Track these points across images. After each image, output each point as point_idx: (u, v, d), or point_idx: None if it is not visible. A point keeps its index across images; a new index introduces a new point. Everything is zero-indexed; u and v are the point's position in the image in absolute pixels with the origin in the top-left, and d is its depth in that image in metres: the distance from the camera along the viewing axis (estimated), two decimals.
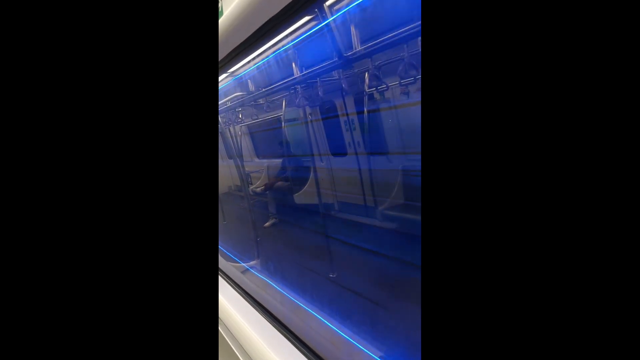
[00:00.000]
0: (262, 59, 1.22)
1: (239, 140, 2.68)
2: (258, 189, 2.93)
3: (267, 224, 2.66)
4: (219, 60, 1.16)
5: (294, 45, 1.06)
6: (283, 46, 1.07)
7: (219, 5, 1.06)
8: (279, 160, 2.84)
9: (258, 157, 3.22)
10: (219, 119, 2.19)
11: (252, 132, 3.06)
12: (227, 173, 2.56)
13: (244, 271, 1.73)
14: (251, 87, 1.86)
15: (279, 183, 2.83)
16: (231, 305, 1.21)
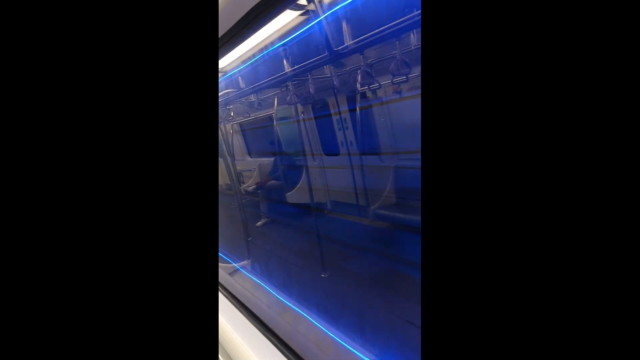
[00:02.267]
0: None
1: (229, 138, 2.65)
2: (250, 188, 2.91)
3: (259, 223, 2.64)
4: None
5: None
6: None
7: None
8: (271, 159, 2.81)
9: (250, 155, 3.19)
10: None
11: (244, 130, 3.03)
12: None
13: (234, 271, 1.71)
14: (242, 85, 1.83)
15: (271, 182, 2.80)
16: (223, 313, 1.16)
